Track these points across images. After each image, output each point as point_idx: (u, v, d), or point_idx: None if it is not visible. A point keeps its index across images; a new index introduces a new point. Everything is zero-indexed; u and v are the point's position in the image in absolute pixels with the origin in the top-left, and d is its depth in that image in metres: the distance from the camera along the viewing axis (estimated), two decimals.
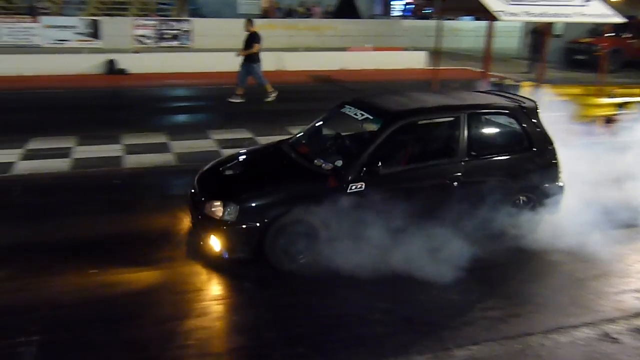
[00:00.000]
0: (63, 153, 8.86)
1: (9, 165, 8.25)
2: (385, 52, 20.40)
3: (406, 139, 6.06)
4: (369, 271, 5.11)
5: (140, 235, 6.02)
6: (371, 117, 5.91)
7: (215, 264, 5.38)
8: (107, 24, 22.58)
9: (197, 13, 25.94)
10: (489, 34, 11.43)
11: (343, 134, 6.26)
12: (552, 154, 6.16)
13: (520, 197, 6.06)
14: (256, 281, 5.16)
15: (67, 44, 21.51)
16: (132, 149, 9.15)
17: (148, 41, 22.41)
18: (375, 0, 35.75)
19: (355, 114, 6.05)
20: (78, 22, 22.40)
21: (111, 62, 16.65)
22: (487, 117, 6.35)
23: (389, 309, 4.78)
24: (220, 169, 6.12)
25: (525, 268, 5.65)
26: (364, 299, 4.89)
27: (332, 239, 5.31)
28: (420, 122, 6.22)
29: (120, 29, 22.37)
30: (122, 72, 16.48)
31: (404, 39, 24.99)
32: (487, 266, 5.49)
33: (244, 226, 5.24)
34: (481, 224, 5.68)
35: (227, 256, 5.35)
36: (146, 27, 22.60)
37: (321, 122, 6.56)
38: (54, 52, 19.12)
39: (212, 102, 13.42)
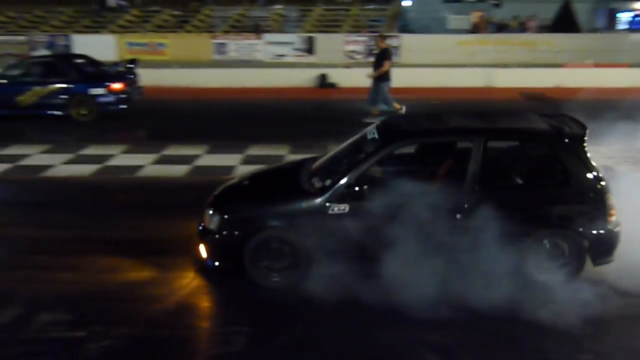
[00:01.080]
0: (276, 159, 9.54)
1: (232, 168, 9.17)
2: (608, 69, 18.72)
3: (405, 162, 5.78)
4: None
5: None
6: (377, 137, 5.52)
7: None
8: (321, 40, 23.97)
9: (406, 29, 26.36)
10: None
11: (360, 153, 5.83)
12: (598, 192, 5.10)
13: (547, 240, 5.14)
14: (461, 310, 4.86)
15: (285, 59, 23.27)
16: None
17: (358, 56, 23.32)
18: (598, 12, 33.08)
19: (370, 133, 5.70)
20: (295, 38, 24.11)
21: (323, 76, 17.68)
22: (512, 143, 5.67)
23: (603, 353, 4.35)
24: (239, 180, 6.28)
25: None
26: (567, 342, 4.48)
27: (314, 261, 5.09)
28: (423, 145, 5.84)
29: (332, 45, 23.60)
30: (332, 85, 17.45)
31: (632, 55, 22.69)
32: None
33: (224, 236, 5.25)
34: (489, 263, 4.92)
35: (211, 264, 5.40)
36: (357, 43, 23.56)
37: (351, 141, 6.11)
38: (273, 66, 20.87)
39: None
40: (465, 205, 5.03)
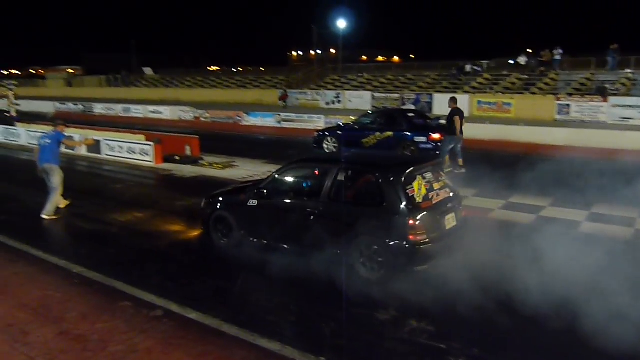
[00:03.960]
0: (626, 221, 8.15)
1: (576, 223, 8.10)
2: None
3: (292, 177, 7.11)
4: None
5: None
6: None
7: None
8: None
9: None
10: None
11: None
12: (404, 215, 5.81)
13: (364, 245, 6.03)
14: None
15: (631, 122, 20.12)
16: None
17: None
18: None
19: None
20: None
21: None
22: (356, 172, 6.58)
23: None
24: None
25: None
26: None
27: (242, 235, 7.11)
28: (305, 167, 7.28)
29: None
30: None
31: None
32: None
33: (203, 212, 7.66)
34: (326, 254, 6.21)
35: (203, 229, 7.72)
36: None
37: None
38: (618, 128, 18.20)
39: None
40: (316, 211, 6.37)
